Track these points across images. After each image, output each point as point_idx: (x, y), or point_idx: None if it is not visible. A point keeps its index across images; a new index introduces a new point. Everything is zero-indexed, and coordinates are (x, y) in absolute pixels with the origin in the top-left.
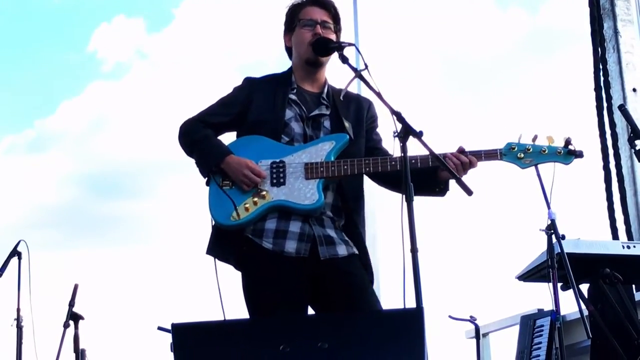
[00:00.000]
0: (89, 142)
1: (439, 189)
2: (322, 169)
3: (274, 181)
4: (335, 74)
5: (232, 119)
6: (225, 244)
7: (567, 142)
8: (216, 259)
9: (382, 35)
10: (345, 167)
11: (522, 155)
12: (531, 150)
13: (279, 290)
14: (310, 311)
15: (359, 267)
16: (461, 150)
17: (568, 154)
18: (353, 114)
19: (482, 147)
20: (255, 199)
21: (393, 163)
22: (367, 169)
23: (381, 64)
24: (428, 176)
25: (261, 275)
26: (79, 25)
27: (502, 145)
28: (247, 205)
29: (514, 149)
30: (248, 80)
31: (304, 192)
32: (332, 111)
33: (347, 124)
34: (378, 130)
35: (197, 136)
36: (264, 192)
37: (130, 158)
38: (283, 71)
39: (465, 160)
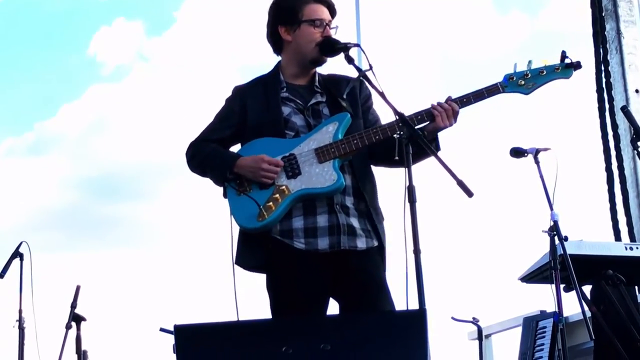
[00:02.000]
0: (89, 145)
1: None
2: (333, 149)
3: (290, 174)
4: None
5: (234, 130)
6: (251, 250)
7: (563, 55)
8: (242, 268)
9: (383, 37)
10: (355, 141)
11: (523, 82)
12: (530, 75)
13: (307, 287)
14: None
15: (376, 263)
16: (450, 98)
17: (566, 67)
18: (347, 94)
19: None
20: (276, 196)
21: (401, 124)
22: (377, 137)
23: (382, 65)
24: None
25: (292, 275)
26: (79, 28)
27: (500, 79)
28: (269, 204)
29: (512, 78)
30: (237, 89)
31: (322, 175)
32: (327, 97)
33: (344, 104)
34: (374, 107)
35: (205, 153)
36: (282, 187)
37: (131, 161)
38: (268, 72)
39: (455, 107)
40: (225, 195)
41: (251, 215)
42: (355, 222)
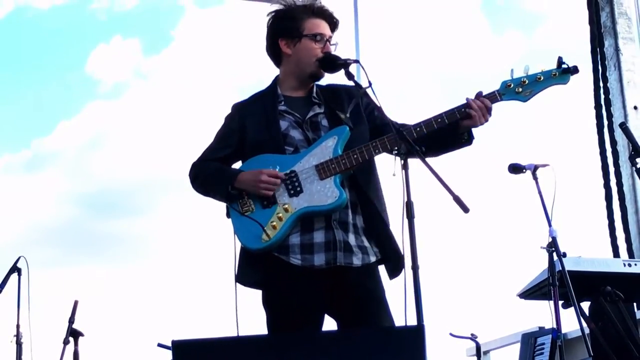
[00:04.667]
0: (86, 162)
1: (465, 140)
2: (333, 165)
3: (292, 192)
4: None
5: (234, 149)
6: (252, 266)
7: (559, 61)
8: (243, 285)
9: (382, 57)
10: (355, 156)
11: (520, 89)
12: (527, 81)
13: (303, 303)
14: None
15: (375, 278)
16: (479, 95)
17: (563, 73)
18: (348, 104)
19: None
20: (280, 215)
21: (400, 136)
22: (377, 151)
23: (381, 84)
24: (448, 132)
25: (288, 291)
26: (77, 46)
27: (498, 86)
28: (273, 224)
29: (510, 85)
30: (236, 107)
31: (324, 193)
32: (326, 108)
33: (342, 116)
34: (378, 109)
35: (206, 172)
36: (286, 206)
37: (129, 177)
38: (266, 87)
39: (488, 104)
40: (228, 215)
41: (255, 235)
42: (352, 238)
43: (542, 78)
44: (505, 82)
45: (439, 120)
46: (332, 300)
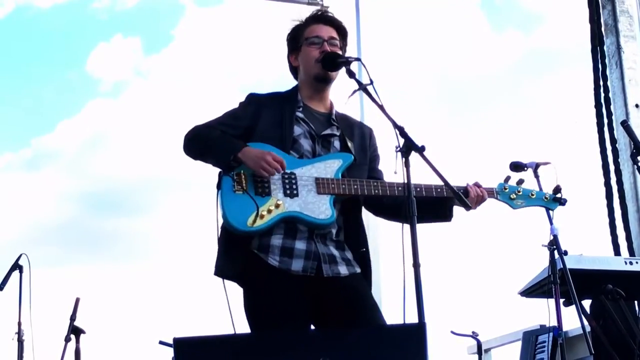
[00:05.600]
0: (87, 160)
1: (446, 215)
2: (333, 185)
3: (287, 192)
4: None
5: (242, 132)
6: (232, 260)
7: (556, 189)
8: (222, 277)
9: (382, 56)
10: (355, 186)
11: (514, 196)
12: (521, 192)
13: (282, 307)
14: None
15: (362, 283)
16: (477, 185)
17: (554, 200)
18: (357, 138)
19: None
20: (271, 208)
21: (400, 189)
22: (376, 192)
23: (381, 83)
24: (433, 204)
25: (265, 292)
26: (77, 44)
27: (495, 185)
28: (263, 213)
29: (506, 189)
30: (254, 96)
31: (318, 207)
32: (340, 133)
33: (350, 144)
34: (379, 164)
35: (210, 136)
36: (279, 202)
37: (129, 175)
38: (288, 90)
39: (485, 197)
40: (218, 186)
41: (243, 217)
42: (334, 250)
43: (534, 196)
44: (502, 185)
45: (439, 190)
46: (319, 308)
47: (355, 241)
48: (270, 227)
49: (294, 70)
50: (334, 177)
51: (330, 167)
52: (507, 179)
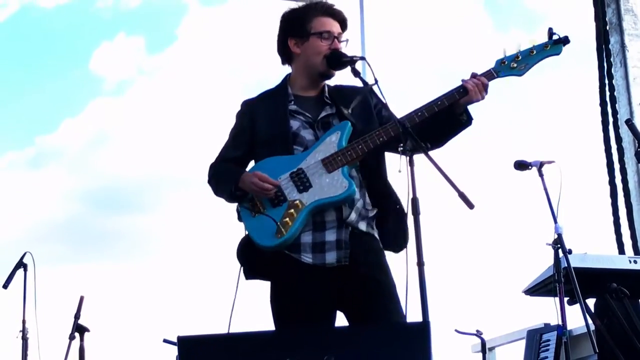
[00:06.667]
0: (91, 159)
1: (465, 120)
2: (339, 157)
3: (300, 188)
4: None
5: (248, 148)
6: (261, 261)
7: (550, 32)
8: (251, 278)
9: (387, 54)
10: (360, 146)
11: (515, 64)
12: (520, 56)
13: (314, 301)
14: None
15: (385, 273)
16: (474, 75)
17: (555, 44)
18: (356, 103)
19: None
20: (291, 211)
21: (402, 118)
22: (381, 139)
23: (386, 81)
24: (442, 119)
25: (297, 288)
26: (80, 43)
27: (493, 65)
28: (285, 220)
29: (504, 62)
30: (246, 104)
31: (333, 185)
32: (336, 108)
33: (345, 112)
34: (384, 106)
35: (217, 173)
36: (296, 202)
37: (133, 174)
38: (276, 85)
39: (484, 81)
40: (240, 219)
41: (270, 233)
42: (363, 225)
43: (535, 51)
44: (499, 60)
45: (439, 103)
46: (343, 297)
47: (388, 200)
48: (299, 227)
49: (288, 55)
50: (338, 149)
51: (331, 143)
52: (504, 51)
